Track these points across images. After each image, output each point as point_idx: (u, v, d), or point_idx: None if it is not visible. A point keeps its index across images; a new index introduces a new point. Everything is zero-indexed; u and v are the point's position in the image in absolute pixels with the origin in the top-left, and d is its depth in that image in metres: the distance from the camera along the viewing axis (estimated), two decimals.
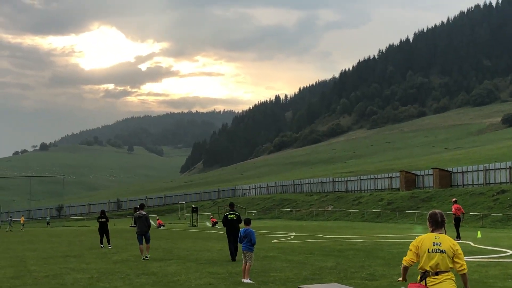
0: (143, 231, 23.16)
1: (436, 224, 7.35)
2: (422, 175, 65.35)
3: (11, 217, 77.25)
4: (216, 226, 57.61)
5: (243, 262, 15.92)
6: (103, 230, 30.30)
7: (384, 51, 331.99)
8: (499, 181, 54.86)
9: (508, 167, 54.98)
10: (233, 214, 22.08)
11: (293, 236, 36.08)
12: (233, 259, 21.76)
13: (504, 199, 47.74)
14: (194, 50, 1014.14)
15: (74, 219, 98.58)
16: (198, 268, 19.09)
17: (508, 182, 53.57)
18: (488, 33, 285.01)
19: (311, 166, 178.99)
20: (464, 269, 7.18)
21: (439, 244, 7.15)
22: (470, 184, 58.01)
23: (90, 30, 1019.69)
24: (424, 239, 7.29)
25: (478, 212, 46.26)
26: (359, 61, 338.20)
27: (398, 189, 66.06)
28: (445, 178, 60.51)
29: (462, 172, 60.17)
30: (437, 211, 7.49)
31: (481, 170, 57.91)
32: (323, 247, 26.87)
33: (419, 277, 7.29)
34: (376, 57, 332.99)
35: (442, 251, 7.12)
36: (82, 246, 31.83)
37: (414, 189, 63.24)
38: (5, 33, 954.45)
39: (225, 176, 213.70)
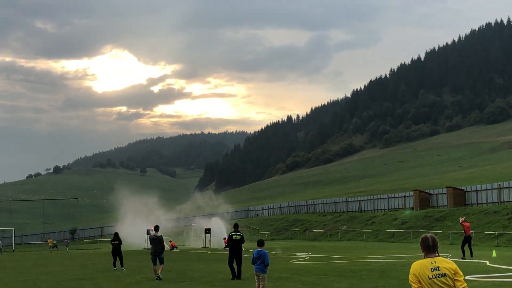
0: (157, 253, 23.55)
1: (428, 248, 7.23)
2: (436, 194, 64.94)
3: (66, 239, 79.99)
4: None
5: (256, 283, 15.84)
6: (116, 252, 30.23)
7: (395, 70, 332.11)
8: None
9: None
10: (237, 234, 22.88)
11: (308, 257, 35.89)
12: (234, 277, 22.50)
13: None
14: (205, 72, 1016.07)
15: (88, 242, 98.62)
16: None
17: None
18: (500, 51, 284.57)
19: (324, 186, 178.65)
20: (464, 287, 7.10)
21: (437, 268, 7.03)
22: (484, 203, 57.57)
23: (102, 54, 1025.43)
24: (420, 267, 7.12)
25: (493, 231, 45.88)
26: (370, 80, 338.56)
27: (412, 208, 65.66)
28: (459, 196, 60.12)
29: (476, 191, 59.74)
30: (428, 235, 7.36)
31: (495, 189, 57.49)
32: (336, 268, 26.70)
33: None
34: (388, 76, 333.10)
35: (443, 275, 7.02)
36: (95, 269, 31.79)
37: (428, 208, 62.84)
38: (18, 57, 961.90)
39: (237, 197, 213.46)
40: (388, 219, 64.37)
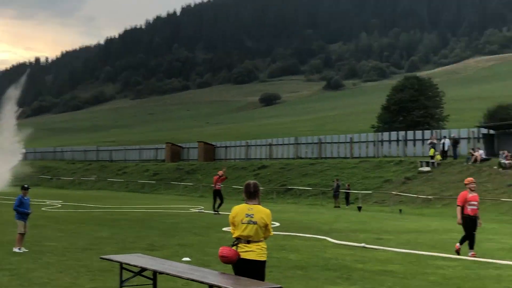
0: None
1: (249, 194, 7.63)
2: (188, 148, 66.88)
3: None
4: None
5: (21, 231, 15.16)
6: None
7: (151, 22, 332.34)
8: (259, 157, 58.12)
9: (268, 144, 58.55)
10: None
11: (60, 205, 34.96)
12: None
13: (264, 174, 50.74)
14: None
15: None
16: None
17: (267, 158, 56.97)
18: (251, 16, 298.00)
19: (73, 133, 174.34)
20: (269, 236, 7.66)
21: (251, 215, 7.48)
22: (232, 159, 60.65)
23: None
24: (238, 211, 7.60)
25: (240, 186, 48.48)
26: (125, 29, 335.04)
27: (164, 161, 66.88)
28: (209, 151, 62.57)
29: (226, 147, 62.81)
30: (251, 182, 7.76)
31: (243, 146, 60.95)
32: (94, 217, 26.44)
33: (232, 243, 7.64)
34: (143, 27, 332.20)
35: (254, 223, 7.47)
36: None
37: (180, 161, 64.49)
38: None
39: None
40: (140, 170, 64.88)
